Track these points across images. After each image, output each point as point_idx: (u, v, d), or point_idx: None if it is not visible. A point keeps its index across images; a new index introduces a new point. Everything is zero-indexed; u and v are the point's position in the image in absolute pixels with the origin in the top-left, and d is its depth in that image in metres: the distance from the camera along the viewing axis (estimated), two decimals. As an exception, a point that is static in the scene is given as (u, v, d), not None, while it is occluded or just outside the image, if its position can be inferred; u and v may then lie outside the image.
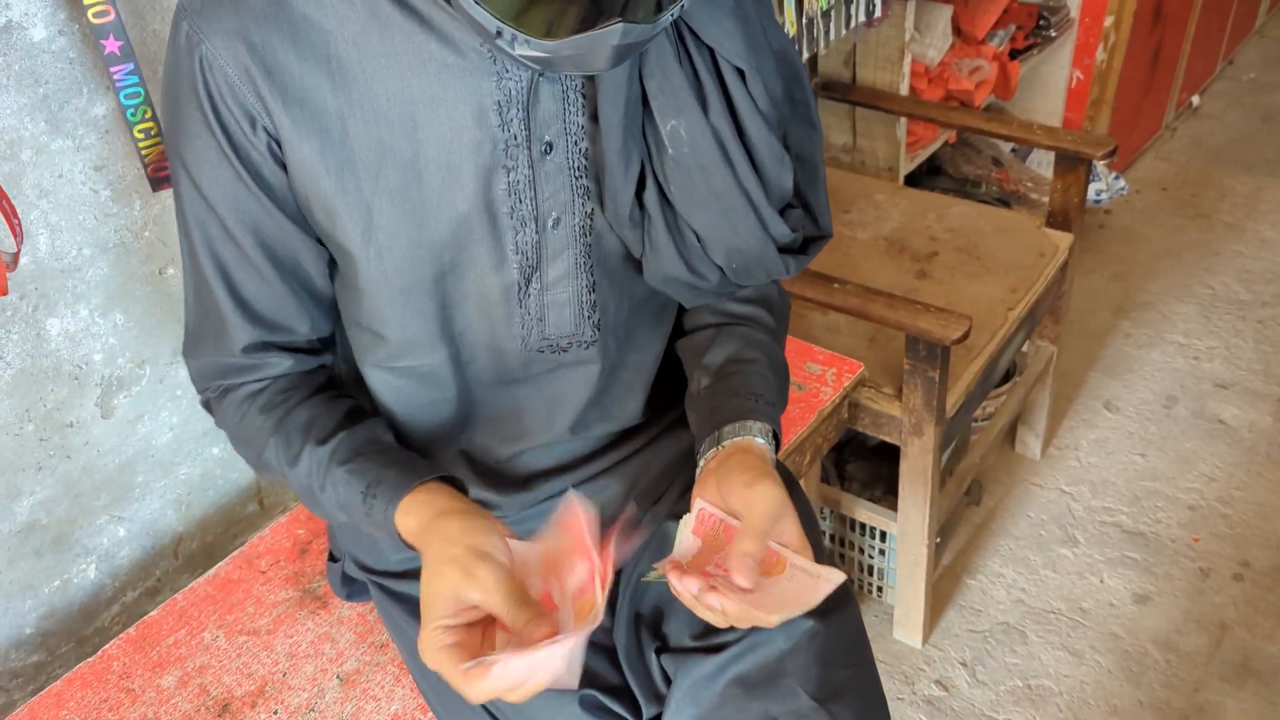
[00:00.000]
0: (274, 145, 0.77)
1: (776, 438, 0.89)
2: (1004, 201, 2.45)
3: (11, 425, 1.12)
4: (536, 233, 0.83)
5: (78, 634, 1.27)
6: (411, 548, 0.81)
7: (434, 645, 0.72)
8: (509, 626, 0.72)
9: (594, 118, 0.81)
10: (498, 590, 0.71)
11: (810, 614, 0.85)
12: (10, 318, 1.08)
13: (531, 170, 0.80)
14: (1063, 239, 1.84)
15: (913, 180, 2.34)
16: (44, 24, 1.00)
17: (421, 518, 0.78)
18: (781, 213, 0.87)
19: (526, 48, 0.66)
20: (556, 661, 0.69)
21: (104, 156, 1.10)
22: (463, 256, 0.82)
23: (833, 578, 0.77)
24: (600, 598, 0.72)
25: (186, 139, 0.77)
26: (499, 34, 0.66)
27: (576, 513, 0.73)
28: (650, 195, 0.83)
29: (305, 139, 0.75)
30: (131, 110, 1.02)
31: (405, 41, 0.75)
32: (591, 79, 0.79)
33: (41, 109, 1.03)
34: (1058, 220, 1.87)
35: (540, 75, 0.77)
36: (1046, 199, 2.41)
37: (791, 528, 0.79)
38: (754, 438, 0.85)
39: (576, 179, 0.83)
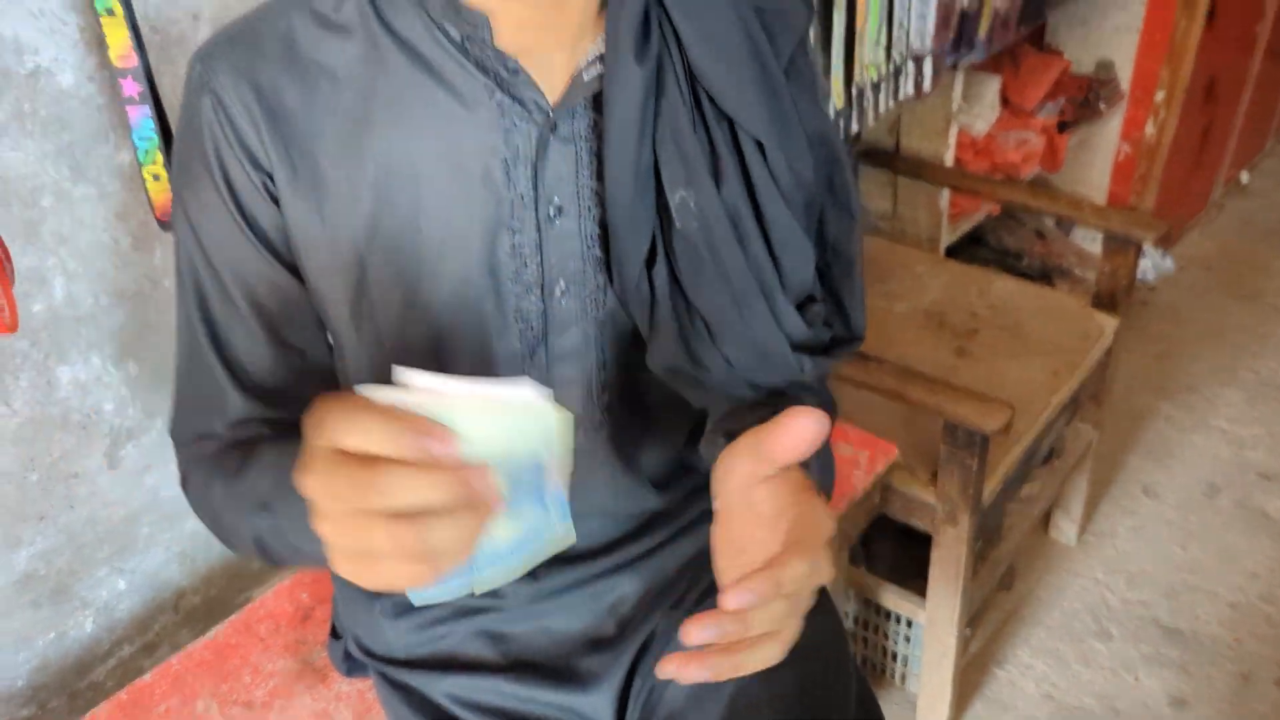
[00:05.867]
0: (273, 190, 0.73)
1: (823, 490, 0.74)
2: (1046, 275, 2.40)
3: (15, 474, 1.08)
4: (541, 300, 0.77)
5: (70, 688, 1.22)
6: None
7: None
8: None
9: None
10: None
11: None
12: (20, 365, 1.05)
13: (538, 233, 0.75)
14: (1109, 322, 1.78)
15: (953, 250, 2.29)
16: (73, 70, 0.98)
17: None
18: (801, 308, 0.80)
19: None
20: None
21: (127, 204, 1.07)
22: (461, 321, 0.77)
23: None
24: None
25: (189, 184, 0.74)
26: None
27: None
28: (659, 271, 0.77)
29: (303, 190, 0.72)
30: (143, 152, 1.00)
31: (412, 92, 0.71)
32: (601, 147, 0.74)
33: (66, 155, 1.01)
34: (1104, 302, 1.81)
35: (553, 132, 0.73)
36: (1090, 274, 2.36)
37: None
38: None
39: (588, 248, 0.77)
